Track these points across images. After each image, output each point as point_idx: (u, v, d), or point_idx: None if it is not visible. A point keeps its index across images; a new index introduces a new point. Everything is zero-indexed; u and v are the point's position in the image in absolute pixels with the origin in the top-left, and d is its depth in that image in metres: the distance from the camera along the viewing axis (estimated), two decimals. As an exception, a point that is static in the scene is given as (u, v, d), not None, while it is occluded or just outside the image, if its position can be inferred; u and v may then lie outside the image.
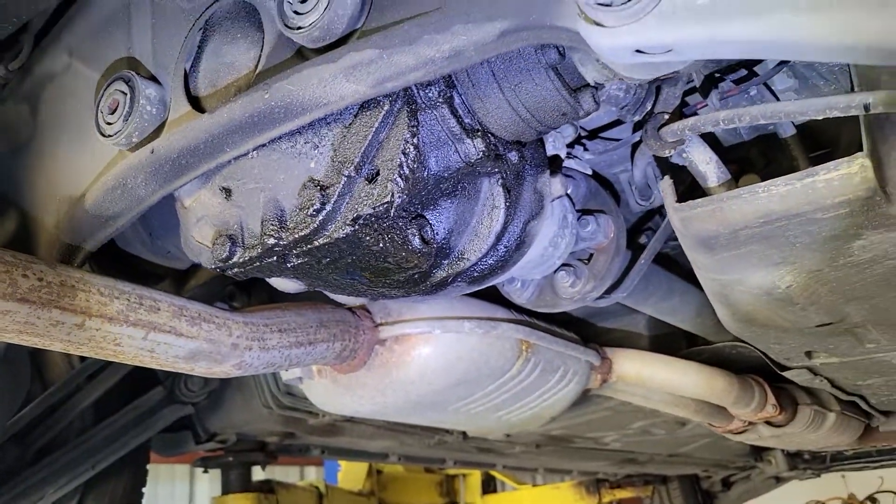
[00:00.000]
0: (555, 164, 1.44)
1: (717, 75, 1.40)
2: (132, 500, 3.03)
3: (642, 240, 1.94)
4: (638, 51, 0.80)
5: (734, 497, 6.54)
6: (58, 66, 1.42)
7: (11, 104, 1.49)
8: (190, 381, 2.88)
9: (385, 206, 1.07)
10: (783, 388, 2.70)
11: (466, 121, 1.16)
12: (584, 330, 2.39)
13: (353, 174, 1.08)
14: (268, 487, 3.94)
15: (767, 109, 1.06)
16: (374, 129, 1.07)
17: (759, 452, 5.52)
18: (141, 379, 2.88)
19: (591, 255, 1.63)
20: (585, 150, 1.61)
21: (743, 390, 2.45)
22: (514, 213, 1.30)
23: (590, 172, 1.60)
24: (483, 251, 1.28)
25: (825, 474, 6.34)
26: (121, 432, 2.83)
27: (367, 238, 1.11)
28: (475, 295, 1.71)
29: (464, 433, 3.58)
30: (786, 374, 2.28)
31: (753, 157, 1.66)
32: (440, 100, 1.13)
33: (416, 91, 1.11)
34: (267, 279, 1.38)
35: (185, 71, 1.23)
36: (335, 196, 1.08)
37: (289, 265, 1.19)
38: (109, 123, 1.24)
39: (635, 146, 1.58)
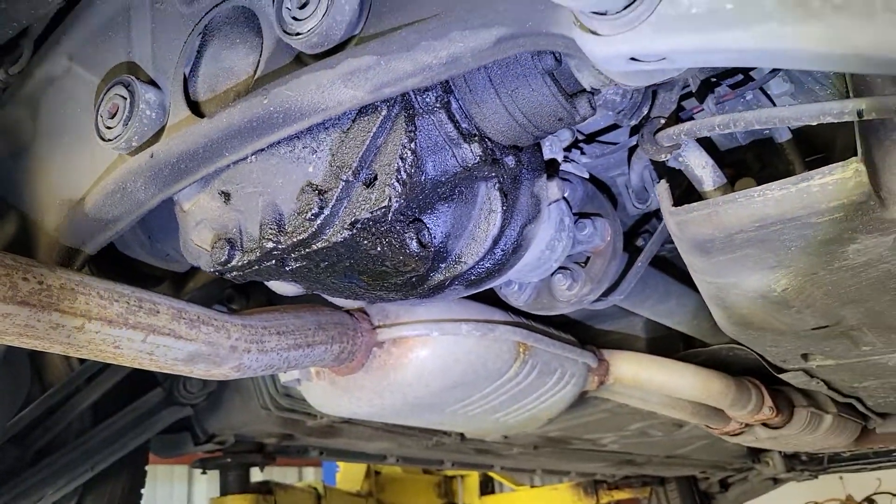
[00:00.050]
0: (552, 168, 1.45)
1: (714, 80, 1.41)
2: (131, 501, 3.03)
3: (639, 243, 1.94)
4: (632, 59, 0.81)
5: (732, 498, 6.55)
6: (58, 71, 1.42)
7: (12, 108, 1.50)
8: (189, 382, 2.88)
9: (383, 210, 1.08)
10: (780, 391, 2.71)
11: (464, 126, 1.17)
12: (581, 332, 2.40)
13: (351, 179, 1.09)
14: (266, 488, 3.95)
15: (762, 115, 1.07)
16: (371, 134, 1.08)
17: (756, 454, 5.52)
18: (140, 381, 2.89)
19: (588, 258, 1.64)
20: (582, 153, 1.62)
21: (739, 392, 2.46)
22: (511, 217, 1.31)
23: (587, 176, 1.61)
24: (480, 255, 1.29)
25: (823, 476, 6.35)
26: (120, 434, 2.84)
27: (365, 242, 1.11)
28: (473, 297, 1.71)
29: (461, 435, 3.59)
30: (782, 376, 2.29)
31: (749, 161, 1.67)
32: (437, 105, 1.13)
33: (413, 96, 1.11)
34: (265, 282, 1.38)
35: (185, 76, 1.24)
36: (333, 200, 1.09)
37: (287, 269, 1.20)
38: (109, 128, 1.25)
39: (632, 150, 1.59)
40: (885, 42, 0.67)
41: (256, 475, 3.96)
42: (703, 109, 1.39)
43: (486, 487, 7.86)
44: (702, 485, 6.64)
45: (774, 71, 1.36)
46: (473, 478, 7.59)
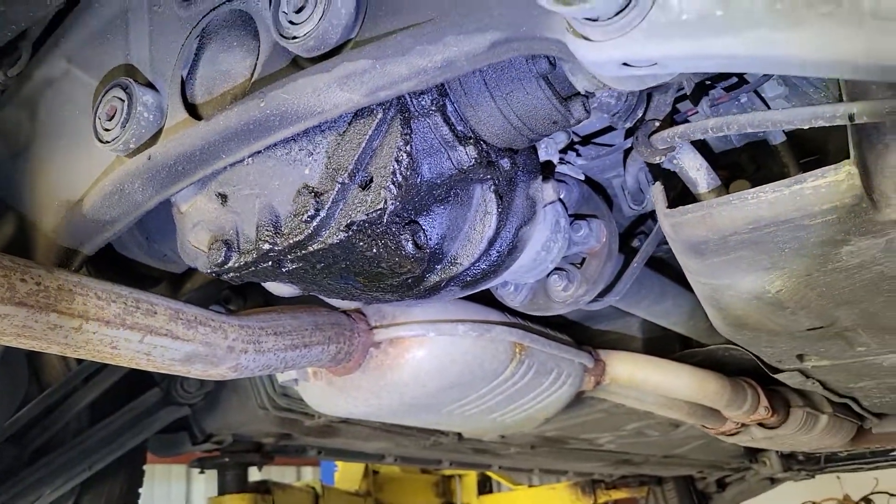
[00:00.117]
0: (547, 170, 1.46)
1: (708, 83, 1.42)
2: (128, 501, 3.04)
3: (635, 244, 1.95)
4: (624, 64, 0.82)
5: (729, 498, 6.56)
6: (56, 73, 1.43)
7: (10, 110, 1.50)
8: (186, 382, 2.89)
9: (378, 212, 1.09)
10: (775, 391, 2.72)
11: (459, 128, 1.18)
12: (578, 333, 2.41)
13: (346, 181, 1.09)
14: (264, 488, 3.95)
15: (755, 118, 1.08)
16: (367, 137, 1.09)
17: (753, 454, 5.53)
18: (137, 380, 2.89)
19: (584, 259, 1.65)
20: (578, 155, 1.62)
21: (735, 392, 2.47)
22: (507, 218, 1.32)
23: (582, 178, 1.62)
24: (476, 256, 1.30)
25: (820, 475, 6.36)
26: (117, 433, 2.84)
27: (361, 244, 1.12)
28: (469, 298, 1.72)
29: (459, 434, 3.59)
30: (778, 376, 2.30)
31: (744, 163, 1.68)
32: (433, 108, 1.14)
33: (409, 99, 1.12)
34: (262, 283, 1.39)
35: (182, 78, 1.25)
36: (329, 202, 1.10)
37: (283, 270, 1.21)
38: (107, 130, 1.25)
39: (627, 152, 1.59)
40: (872, 48, 0.68)
41: (255, 475, 3.97)
42: (697, 112, 1.40)
43: (485, 487, 7.87)
44: (699, 484, 6.65)
45: (768, 74, 1.37)
46: (471, 477, 7.60)
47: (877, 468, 6.31)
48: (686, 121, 1.40)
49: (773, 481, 6.28)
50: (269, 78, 1.12)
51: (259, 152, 1.18)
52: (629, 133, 1.55)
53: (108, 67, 1.34)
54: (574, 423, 3.25)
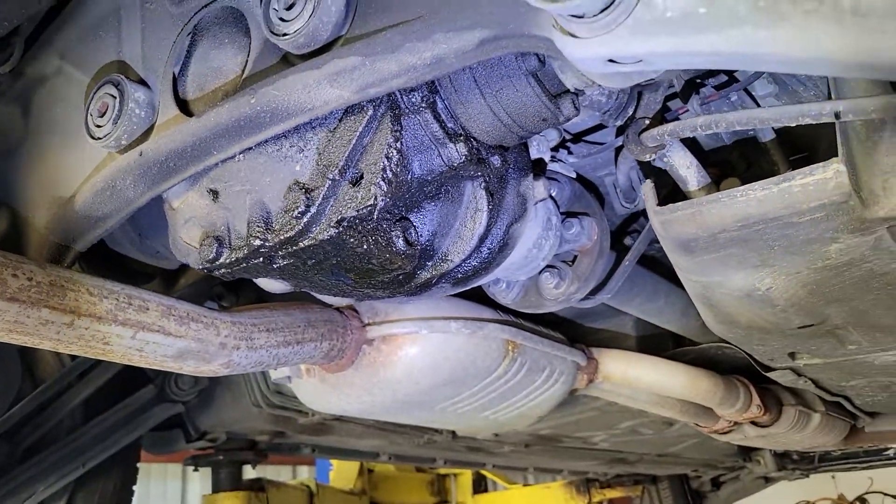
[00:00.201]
0: (539, 168, 1.46)
1: (698, 81, 1.43)
2: (122, 498, 3.03)
3: (627, 242, 1.96)
4: (610, 60, 0.83)
5: (724, 497, 6.57)
6: (49, 70, 1.43)
7: (2, 106, 1.50)
8: (180, 379, 2.88)
9: (368, 208, 1.09)
10: (768, 389, 2.73)
11: (449, 125, 1.18)
12: (571, 331, 2.41)
13: (337, 177, 1.10)
14: (258, 486, 3.95)
15: (743, 116, 1.09)
16: (358, 134, 1.09)
17: (747, 452, 5.55)
18: (131, 377, 2.89)
19: (576, 256, 1.66)
20: (570, 153, 1.63)
21: (728, 391, 2.48)
22: (497, 215, 1.32)
23: (574, 176, 1.62)
24: (466, 253, 1.30)
25: (814, 475, 6.37)
26: (111, 430, 2.83)
27: (352, 240, 1.13)
28: (462, 295, 1.73)
29: (453, 432, 3.60)
30: (770, 374, 2.30)
31: (735, 161, 1.69)
32: (423, 105, 1.15)
33: (399, 96, 1.13)
34: (254, 279, 1.40)
35: (174, 75, 1.25)
36: (320, 199, 1.10)
37: (275, 266, 1.21)
38: (99, 126, 1.26)
39: (619, 150, 1.60)
40: (854, 46, 0.68)
41: (249, 473, 3.97)
42: (688, 110, 1.41)
43: (479, 486, 7.87)
44: (694, 483, 6.67)
45: (759, 72, 1.37)
46: (466, 476, 7.60)
47: (871, 467, 6.32)
48: (676, 119, 1.41)
49: (768, 480, 6.29)
50: (259, 75, 1.13)
51: (250, 149, 1.18)
52: (620, 131, 1.55)
53: (100, 64, 1.35)
54: (567, 421, 3.26)
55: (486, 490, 8.01)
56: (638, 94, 1.36)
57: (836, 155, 1.15)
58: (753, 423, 2.80)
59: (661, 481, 6.60)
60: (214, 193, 1.24)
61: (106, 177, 1.29)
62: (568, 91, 1.17)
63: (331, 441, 3.63)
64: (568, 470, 6.04)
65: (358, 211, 1.09)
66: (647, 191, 1.35)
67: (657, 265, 2.07)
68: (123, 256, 1.78)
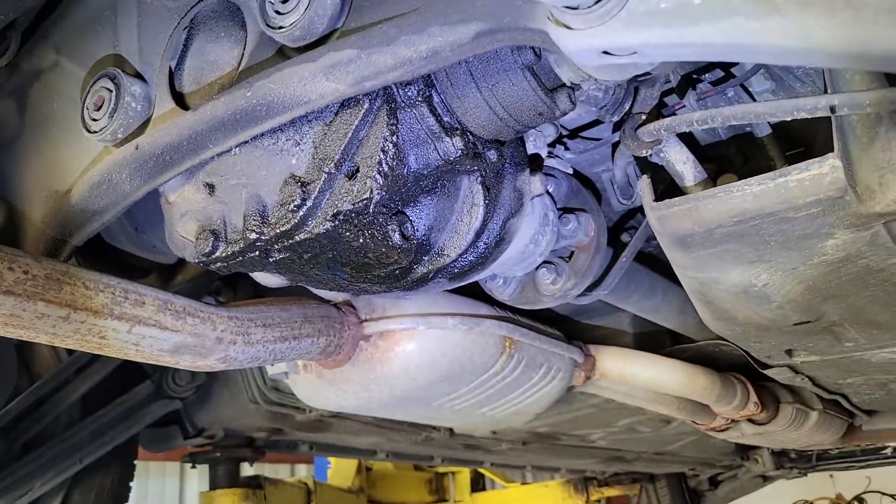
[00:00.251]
0: (535, 163, 1.46)
1: (695, 76, 1.43)
2: (119, 495, 3.03)
3: (624, 238, 1.96)
4: (605, 52, 0.83)
5: (721, 496, 6.58)
6: (45, 63, 1.43)
7: (-1, 100, 1.51)
8: (178, 375, 2.88)
9: (364, 202, 1.09)
10: (765, 387, 2.73)
11: (445, 119, 1.18)
12: (569, 328, 2.41)
13: (333, 171, 1.10)
14: (256, 483, 3.95)
15: (739, 110, 1.09)
16: (354, 127, 1.09)
17: (745, 451, 5.55)
18: (129, 374, 2.89)
19: (573, 252, 1.66)
20: (566, 149, 1.63)
21: (725, 388, 2.48)
22: (494, 210, 1.32)
23: (571, 171, 1.63)
24: (463, 248, 1.30)
25: (812, 474, 6.39)
26: (108, 427, 2.83)
27: (347, 233, 1.13)
28: (459, 291, 1.73)
29: (450, 430, 3.60)
30: (767, 372, 2.31)
31: (732, 157, 1.69)
32: (419, 99, 1.15)
33: (395, 90, 1.13)
34: (250, 274, 1.40)
35: (171, 69, 1.25)
36: (316, 192, 1.10)
37: (271, 260, 1.21)
38: (95, 120, 1.26)
39: (615, 146, 1.60)
40: (846, 37, 0.68)
41: (248, 470, 3.97)
42: (684, 106, 1.41)
43: (478, 484, 7.87)
44: (691, 482, 6.68)
45: (756, 68, 1.37)
46: (464, 475, 7.60)
47: (868, 466, 6.33)
48: (673, 114, 1.41)
49: (766, 479, 6.30)
50: (255, 67, 1.13)
51: (246, 142, 1.18)
52: (617, 127, 1.55)
53: (96, 58, 1.35)
54: (565, 418, 3.26)
55: (484, 488, 8.02)
56: (634, 89, 1.36)
57: (833, 150, 1.15)
58: (750, 420, 2.80)
59: (658, 480, 6.61)
60: (210, 187, 1.24)
61: (102, 170, 1.29)
62: (564, 85, 1.17)
63: (328, 438, 3.63)
64: (566, 468, 6.05)
65: (354, 204, 1.09)
66: (644, 186, 1.35)
67: (654, 262, 2.07)
68: (120, 251, 1.78)
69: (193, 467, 3.82)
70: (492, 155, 1.28)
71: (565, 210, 1.61)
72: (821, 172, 1.16)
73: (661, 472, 6.46)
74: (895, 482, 8.46)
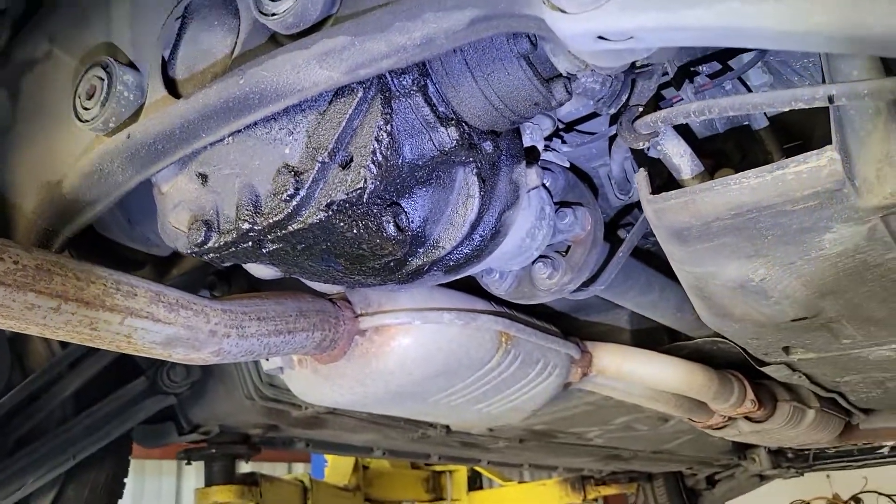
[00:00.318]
0: (532, 156, 1.45)
1: (692, 69, 1.42)
2: (113, 491, 3.01)
3: (621, 234, 1.95)
4: (600, 38, 0.82)
5: (719, 495, 6.59)
6: (37, 53, 1.42)
7: (-9, 89, 1.49)
8: (172, 371, 2.86)
9: (358, 192, 1.08)
10: (763, 385, 2.73)
11: (440, 109, 1.17)
12: (566, 324, 2.41)
13: (326, 160, 1.09)
14: (251, 480, 3.94)
15: (736, 101, 1.08)
16: (347, 116, 1.08)
17: (742, 450, 5.55)
18: (123, 369, 2.87)
19: (569, 247, 1.65)
20: (563, 142, 1.62)
21: (722, 385, 2.48)
22: (490, 202, 1.31)
23: (567, 165, 1.62)
24: (458, 240, 1.29)
25: (809, 474, 6.39)
26: (102, 422, 2.81)
27: (341, 224, 1.11)
28: (455, 286, 1.72)
29: (447, 427, 3.59)
30: (764, 369, 2.30)
31: (730, 152, 1.68)
32: (414, 88, 1.14)
33: (390, 79, 1.12)
34: (244, 265, 1.39)
35: (164, 58, 1.24)
36: (309, 182, 1.09)
37: (264, 251, 1.20)
38: (87, 109, 1.24)
39: (612, 140, 1.59)
40: (843, 20, 0.67)
41: (245, 468, 3.96)
42: (681, 99, 1.40)
43: (475, 483, 7.86)
44: (689, 481, 6.68)
45: (754, 59, 1.37)
46: (462, 473, 7.59)
47: (865, 466, 6.34)
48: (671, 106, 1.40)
49: (763, 478, 6.31)
50: (248, 55, 1.12)
51: (239, 131, 1.17)
52: (614, 120, 1.54)
53: (89, 47, 1.34)
54: (562, 416, 3.25)
55: (481, 487, 8.01)
56: (631, 81, 1.35)
57: (831, 143, 1.14)
58: (748, 418, 2.80)
59: (656, 479, 6.61)
60: (203, 177, 1.23)
61: (94, 160, 1.28)
62: (560, 75, 1.16)
63: (324, 435, 3.62)
64: (563, 467, 6.04)
65: (348, 194, 1.08)
66: (641, 179, 1.34)
67: (652, 259, 2.06)
68: (114, 243, 1.77)
69: (189, 463, 3.80)
70: (487, 146, 1.27)
71: (562, 204, 1.60)
72: (819, 165, 1.15)
73: (658, 471, 6.47)
74: (892, 482, 8.47)
